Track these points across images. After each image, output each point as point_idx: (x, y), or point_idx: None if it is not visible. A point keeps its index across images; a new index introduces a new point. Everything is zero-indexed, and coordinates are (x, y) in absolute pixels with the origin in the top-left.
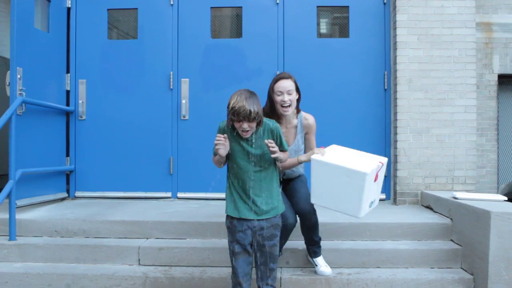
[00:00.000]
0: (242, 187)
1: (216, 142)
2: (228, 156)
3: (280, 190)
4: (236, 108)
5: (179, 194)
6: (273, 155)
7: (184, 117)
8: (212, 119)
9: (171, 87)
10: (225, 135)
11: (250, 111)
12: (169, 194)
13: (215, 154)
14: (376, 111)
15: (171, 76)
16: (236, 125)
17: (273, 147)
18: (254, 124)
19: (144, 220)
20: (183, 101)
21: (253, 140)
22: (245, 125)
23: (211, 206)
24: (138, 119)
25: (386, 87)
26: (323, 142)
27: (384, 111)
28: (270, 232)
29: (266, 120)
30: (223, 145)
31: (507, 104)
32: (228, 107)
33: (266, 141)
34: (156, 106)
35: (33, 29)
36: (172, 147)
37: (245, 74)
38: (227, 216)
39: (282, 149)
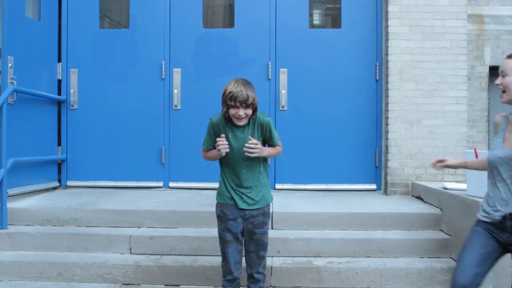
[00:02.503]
0: (235, 177)
1: (221, 147)
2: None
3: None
4: (234, 92)
5: (171, 184)
6: (250, 155)
7: (176, 106)
8: (204, 109)
9: (163, 76)
10: (223, 135)
11: (248, 96)
12: (160, 184)
13: (207, 149)
14: (367, 102)
15: (163, 66)
16: (232, 111)
17: (251, 148)
18: (250, 111)
19: (136, 209)
20: (175, 91)
21: (246, 131)
22: (241, 112)
23: (203, 196)
24: (130, 109)
25: (377, 78)
26: (316, 133)
27: (375, 102)
28: (261, 219)
29: (258, 113)
30: (227, 147)
31: (498, 96)
32: (224, 94)
33: (246, 145)
34: (148, 96)
35: (24, 18)
36: (164, 137)
37: (237, 64)
38: (218, 204)
39: (272, 144)
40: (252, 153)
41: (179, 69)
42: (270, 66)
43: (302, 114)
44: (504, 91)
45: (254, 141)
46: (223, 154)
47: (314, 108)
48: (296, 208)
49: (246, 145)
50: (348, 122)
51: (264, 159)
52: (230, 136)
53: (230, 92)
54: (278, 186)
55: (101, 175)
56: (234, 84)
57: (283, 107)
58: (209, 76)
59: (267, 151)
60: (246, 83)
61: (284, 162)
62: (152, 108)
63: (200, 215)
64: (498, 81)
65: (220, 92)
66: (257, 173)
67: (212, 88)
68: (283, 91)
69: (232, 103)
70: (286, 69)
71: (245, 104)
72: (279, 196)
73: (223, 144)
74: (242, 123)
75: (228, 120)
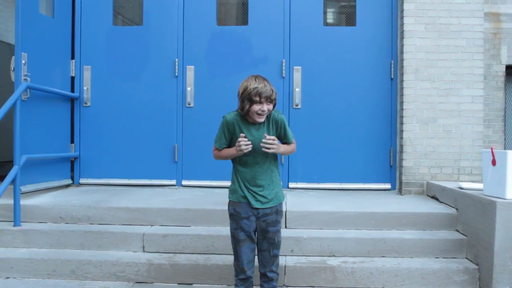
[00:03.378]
0: (248, 175)
1: (243, 147)
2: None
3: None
4: (259, 88)
5: (184, 182)
6: (268, 151)
7: (189, 104)
8: (218, 107)
9: (176, 74)
10: (243, 134)
11: (272, 91)
12: (173, 182)
13: (220, 148)
14: (382, 101)
15: (176, 63)
16: (256, 107)
17: (268, 144)
18: (271, 107)
19: (149, 207)
20: (188, 89)
21: (262, 128)
22: (265, 107)
23: (216, 194)
24: (143, 106)
25: (392, 77)
26: (330, 131)
27: (390, 100)
28: (274, 218)
29: (273, 110)
30: (250, 146)
31: None
32: (245, 90)
33: (264, 140)
34: (161, 93)
35: (38, 14)
36: (177, 135)
37: (251, 61)
38: (230, 203)
39: (286, 141)
40: (269, 149)
41: (193, 67)
42: (284, 64)
43: (316, 112)
44: None
45: (272, 137)
46: (244, 152)
47: (328, 106)
48: (310, 207)
49: (263, 140)
50: (363, 121)
51: (275, 158)
52: (245, 133)
53: (255, 88)
54: (291, 184)
55: (114, 173)
56: (255, 80)
57: (297, 105)
58: (223, 73)
59: (283, 148)
60: (265, 79)
61: (298, 160)
62: (165, 106)
63: (213, 214)
64: None
65: (234, 90)
66: (270, 171)
67: (226, 85)
68: (297, 89)
69: (257, 99)
70: (300, 67)
71: (269, 99)
72: (293, 195)
73: (246, 144)
74: (262, 119)
75: (243, 118)
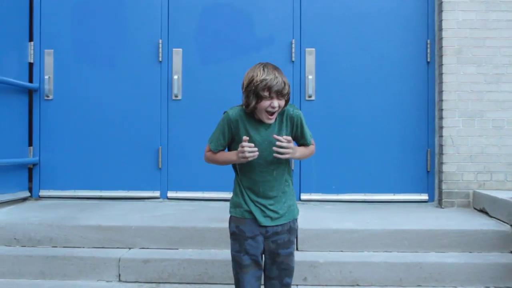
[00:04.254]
0: (255, 185)
1: (249, 155)
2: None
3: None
4: (268, 80)
5: (170, 194)
6: (281, 157)
7: (176, 97)
8: (212, 99)
9: (160, 59)
10: (246, 138)
11: (285, 83)
12: (157, 194)
13: (215, 150)
14: (416, 90)
15: (160, 46)
16: (265, 103)
17: (283, 148)
18: (283, 102)
19: (126, 225)
20: (175, 77)
21: (272, 127)
22: (276, 103)
23: (211, 209)
24: (119, 100)
25: (428, 60)
26: (351, 129)
27: (426, 90)
28: (286, 237)
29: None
30: (257, 154)
31: None
32: (251, 82)
33: (278, 143)
34: (141, 83)
35: None
36: (161, 135)
37: (252, 43)
38: (232, 219)
39: (303, 143)
40: (283, 153)
41: (180, 50)
42: (293, 46)
43: (334, 105)
44: None
45: (287, 138)
46: (249, 160)
47: (349, 98)
48: (327, 224)
49: (277, 143)
50: (392, 116)
51: (288, 163)
52: (252, 134)
53: (263, 80)
54: (304, 196)
55: (82, 183)
56: (263, 70)
57: (310, 96)
58: (218, 58)
59: (299, 151)
60: (276, 68)
61: (312, 165)
62: (147, 99)
63: (207, 233)
64: None
65: (232, 78)
66: (282, 180)
67: (222, 73)
68: (310, 77)
69: (266, 94)
70: (313, 49)
71: (281, 94)
72: (306, 209)
73: (251, 151)
74: (273, 120)
75: (249, 115)
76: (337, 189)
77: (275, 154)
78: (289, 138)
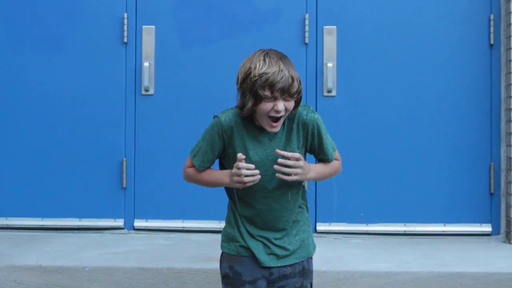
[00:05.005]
0: (255, 213)
1: (247, 179)
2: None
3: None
4: (270, 74)
5: (138, 223)
6: (287, 178)
7: (146, 91)
8: (196, 96)
9: (125, 40)
10: (241, 155)
11: (292, 79)
12: (120, 223)
13: (200, 167)
14: (474, 83)
15: (125, 22)
16: (265, 106)
17: (292, 167)
18: (292, 104)
19: (78, 266)
20: (146, 64)
21: (279, 136)
22: (281, 106)
23: (193, 243)
24: (69, 95)
25: (492, 42)
26: (385, 136)
27: (489, 82)
28: (298, 282)
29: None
30: (258, 177)
31: None
32: (246, 76)
33: (280, 160)
34: (99, 73)
35: None
36: (126, 143)
37: (251, 18)
38: (225, 257)
39: (323, 158)
40: (290, 174)
41: (152, 28)
42: (307, 22)
43: (362, 104)
44: None
45: (295, 155)
46: (246, 186)
47: (382, 93)
48: (353, 265)
49: (280, 160)
50: (441, 118)
51: (301, 184)
52: (251, 147)
53: (262, 75)
54: (321, 227)
55: (18, 208)
56: (264, 60)
57: (329, 91)
58: (204, 39)
59: (316, 170)
60: (283, 57)
61: (333, 186)
62: (106, 94)
63: (188, 276)
64: None
65: (224, 67)
66: (295, 207)
67: (209, 59)
68: (330, 65)
69: (268, 93)
70: (334, 27)
71: (289, 93)
72: (324, 244)
73: (251, 174)
74: (277, 128)
75: (248, 121)
76: (366, 218)
77: (278, 175)
78: (298, 155)
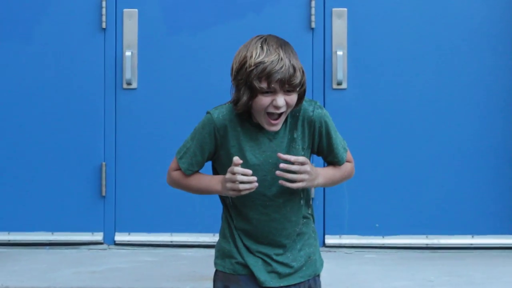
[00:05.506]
0: (255, 227)
1: (242, 186)
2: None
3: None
4: (267, 64)
5: (119, 237)
6: (291, 186)
7: (129, 84)
8: (185, 89)
9: (104, 26)
10: (238, 159)
11: (295, 68)
12: (99, 237)
13: (188, 171)
14: (509, 75)
15: (104, 5)
16: (261, 101)
17: (297, 173)
18: (294, 98)
19: (50, 287)
20: (128, 54)
21: (280, 136)
22: (281, 100)
23: (182, 259)
24: (38, 91)
25: None
26: (404, 136)
27: None
28: None
29: (304, 101)
30: (256, 185)
31: None
32: (239, 68)
33: (282, 165)
34: (74, 64)
35: None
36: (105, 145)
37: (245, 0)
38: (219, 275)
39: (333, 160)
40: (295, 181)
41: (135, 11)
42: (313, 4)
43: (377, 98)
44: None
45: (300, 158)
46: (242, 194)
47: (401, 86)
48: (368, 283)
49: (282, 165)
50: (469, 116)
51: (308, 192)
52: (246, 147)
53: (259, 64)
54: (330, 240)
55: None
56: (261, 47)
57: (339, 84)
58: (194, 24)
59: (324, 175)
60: (284, 44)
61: (344, 193)
62: (82, 88)
63: None
64: None
65: (217, 56)
66: (299, 217)
67: (200, 47)
68: (340, 53)
69: (264, 85)
70: (345, 10)
71: (289, 84)
72: (334, 260)
73: (248, 181)
74: (278, 126)
75: (245, 118)
76: (382, 229)
77: (281, 182)
78: (303, 159)
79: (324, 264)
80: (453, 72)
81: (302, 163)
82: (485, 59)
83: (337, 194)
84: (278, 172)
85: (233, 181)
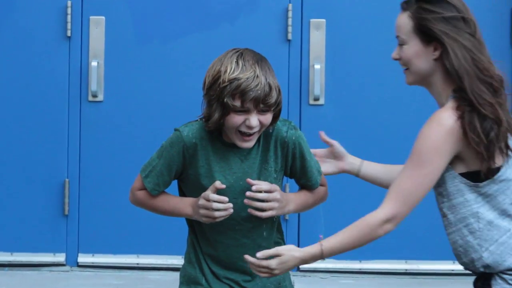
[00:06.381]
0: (222, 252)
1: (218, 214)
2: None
3: None
4: (242, 81)
5: (83, 258)
6: (260, 215)
7: (95, 96)
8: (154, 103)
9: (69, 34)
10: (219, 183)
11: (270, 86)
12: (61, 258)
13: (154, 191)
14: None
15: (69, 12)
16: (233, 120)
17: (266, 201)
18: (269, 118)
19: None
20: (93, 63)
21: (252, 157)
22: (255, 120)
23: (150, 283)
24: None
25: None
26: (385, 153)
27: None
28: None
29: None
30: (231, 211)
31: None
32: (212, 84)
33: (248, 193)
34: (35, 74)
35: None
36: (69, 160)
37: (224, 8)
38: None
39: (306, 184)
40: (264, 210)
41: (103, 19)
42: (290, 15)
43: (356, 114)
44: (407, 68)
45: (266, 185)
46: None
47: (380, 103)
48: None
49: (248, 193)
50: None
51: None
52: (215, 167)
53: (233, 80)
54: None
55: None
56: (236, 62)
57: (316, 99)
58: (166, 33)
59: (295, 202)
60: (260, 60)
61: (319, 215)
62: (45, 100)
63: None
64: (395, 53)
65: (189, 68)
66: (269, 242)
67: (171, 58)
68: (317, 67)
69: (238, 103)
70: (323, 21)
71: (264, 104)
72: (307, 285)
73: (224, 208)
74: (251, 143)
75: (215, 136)
76: (359, 253)
77: (250, 210)
78: (272, 186)
79: None
80: None
81: (271, 190)
82: None
83: (312, 216)
84: (246, 201)
85: (207, 208)
